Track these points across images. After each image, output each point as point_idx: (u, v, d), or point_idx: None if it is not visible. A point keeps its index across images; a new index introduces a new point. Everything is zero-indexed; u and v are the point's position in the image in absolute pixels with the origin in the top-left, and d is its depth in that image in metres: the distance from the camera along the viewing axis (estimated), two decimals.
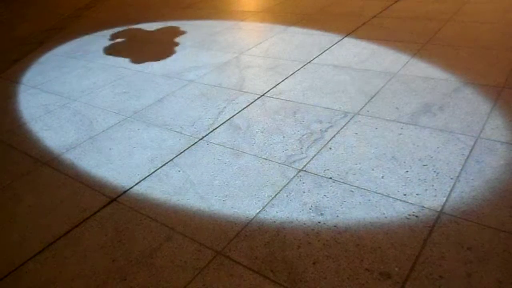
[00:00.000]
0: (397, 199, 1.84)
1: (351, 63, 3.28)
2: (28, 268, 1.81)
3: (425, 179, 1.94)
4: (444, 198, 1.81)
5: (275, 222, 1.82)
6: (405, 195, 1.86)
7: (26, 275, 1.77)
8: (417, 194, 1.85)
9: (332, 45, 3.69)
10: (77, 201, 2.17)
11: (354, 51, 3.49)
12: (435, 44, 3.40)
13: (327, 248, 1.65)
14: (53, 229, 2.01)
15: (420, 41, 3.50)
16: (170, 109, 2.99)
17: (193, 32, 4.69)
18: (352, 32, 3.94)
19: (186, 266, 1.67)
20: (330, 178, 2.04)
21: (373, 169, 2.05)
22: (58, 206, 2.16)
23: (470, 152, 2.07)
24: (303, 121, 2.56)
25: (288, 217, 1.84)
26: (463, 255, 1.53)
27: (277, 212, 1.88)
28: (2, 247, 1.96)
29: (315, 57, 3.49)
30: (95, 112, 3.14)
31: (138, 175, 2.30)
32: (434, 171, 1.98)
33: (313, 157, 2.21)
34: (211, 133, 2.60)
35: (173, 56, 4.04)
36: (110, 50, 4.54)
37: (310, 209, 1.86)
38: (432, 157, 2.08)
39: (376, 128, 2.38)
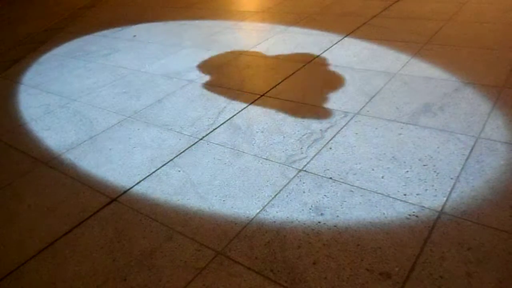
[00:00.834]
0: (397, 199, 1.84)
1: (351, 63, 3.28)
2: (28, 268, 1.81)
3: (425, 179, 1.94)
4: (444, 198, 1.81)
5: (275, 222, 1.82)
6: (405, 195, 1.86)
7: (26, 275, 1.77)
8: (417, 194, 1.85)
9: (332, 45, 3.69)
10: (77, 201, 2.17)
11: (354, 51, 3.49)
12: (435, 44, 3.40)
13: (327, 248, 1.65)
14: (53, 229, 2.01)
15: (420, 41, 3.50)
16: (170, 109, 2.99)
17: (193, 32, 4.69)
18: (352, 32, 3.94)
19: (186, 266, 1.67)
20: (330, 178, 2.04)
21: (373, 169, 2.05)
22: (58, 206, 2.16)
23: (470, 152, 2.07)
24: (303, 121, 2.56)
25: (288, 217, 1.84)
26: (463, 255, 1.53)
27: (277, 212, 1.88)
28: (2, 247, 1.96)
29: (315, 57, 3.49)
30: (95, 112, 3.14)
31: (138, 175, 2.30)
32: (434, 171, 1.98)
33: (313, 157, 2.21)
34: (211, 133, 2.60)
35: (173, 56, 4.04)
36: (110, 50, 4.54)
37: (310, 209, 1.86)
38: (432, 157, 2.08)
39: (376, 128, 2.38)
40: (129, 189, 2.20)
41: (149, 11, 6.03)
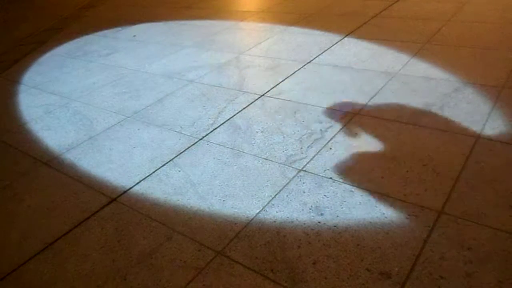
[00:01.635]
0: (397, 199, 1.84)
1: (351, 63, 3.28)
2: (28, 268, 1.81)
3: (425, 179, 1.93)
4: (444, 198, 1.81)
5: (275, 222, 1.82)
6: (405, 195, 1.86)
7: (26, 275, 1.77)
8: (417, 194, 1.85)
9: (332, 45, 3.69)
10: (77, 201, 2.17)
11: (354, 51, 3.49)
12: (435, 44, 3.40)
13: (327, 248, 1.65)
14: (53, 229, 2.01)
15: (420, 41, 3.50)
16: (170, 109, 2.99)
17: (193, 32, 4.69)
18: (352, 32, 3.94)
19: (186, 266, 1.67)
20: (330, 178, 2.04)
21: (373, 169, 2.05)
22: (58, 206, 2.16)
23: (470, 152, 2.07)
24: (303, 121, 2.56)
25: (288, 217, 1.84)
26: (463, 255, 1.53)
27: (277, 212, 1.88)
28: (2, 247, 1.96)
29: (315, 57, 3.49)
30: (95, 112, 3.14)
31: (138, 175, 2.30)
32: (434, 171, 1.98)
33: (313, 157, 2.21)
34: (211, 133, 2.60)
35: (173, 56, 4.04)
36: (110, 50, 4.54)
37: (310, 209, 1.86)
38: (432, 157, 2.08)
39: (376, 128, 2.38)
40: (129, 189, 2.20)
41: (149, 11, 6.03)
